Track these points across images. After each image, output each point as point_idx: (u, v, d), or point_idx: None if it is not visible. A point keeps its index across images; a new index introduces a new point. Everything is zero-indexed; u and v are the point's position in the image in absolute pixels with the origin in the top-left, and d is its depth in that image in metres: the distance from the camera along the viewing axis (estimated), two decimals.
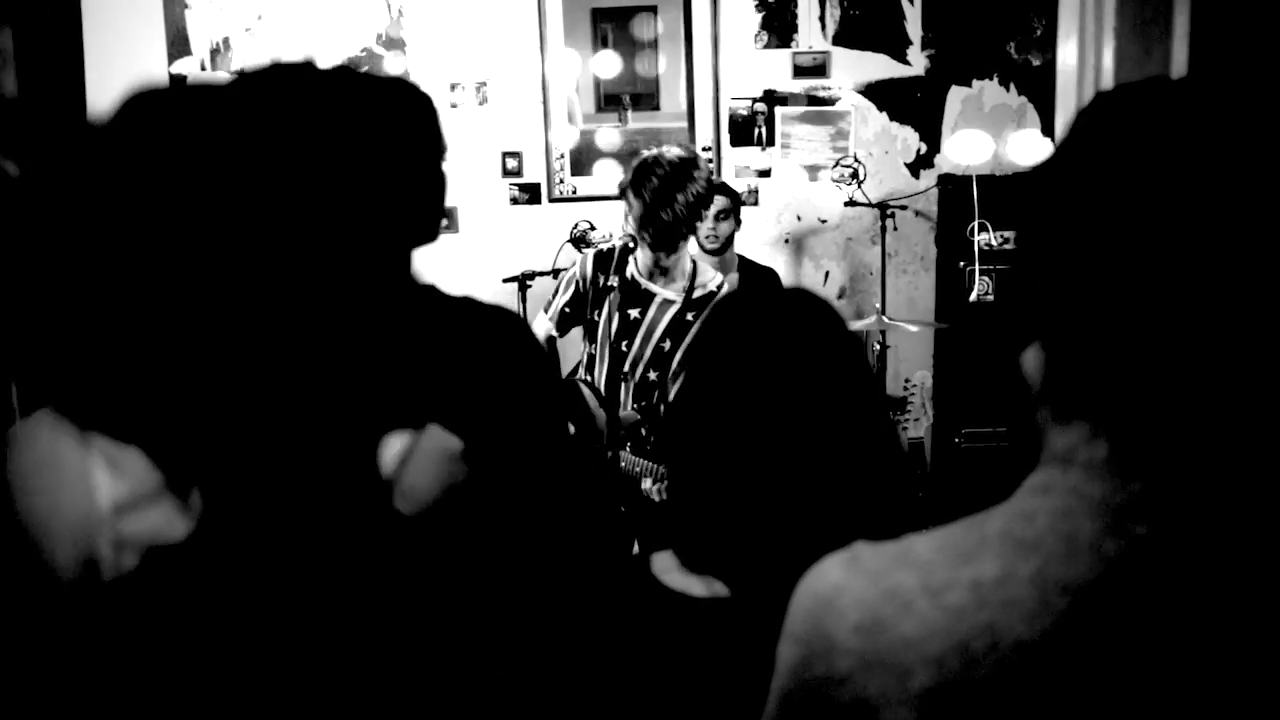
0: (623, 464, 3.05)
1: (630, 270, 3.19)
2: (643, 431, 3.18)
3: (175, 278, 0.77)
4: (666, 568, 1.25)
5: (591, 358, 3.26)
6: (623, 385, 3.16)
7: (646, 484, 3.05)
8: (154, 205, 0.77)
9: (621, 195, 3.09)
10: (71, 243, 0.77)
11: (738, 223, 4.40)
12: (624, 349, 3.15)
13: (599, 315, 3.19)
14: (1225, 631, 0.70)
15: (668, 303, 3.14)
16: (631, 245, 3.10)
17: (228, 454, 0.83)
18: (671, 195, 2.97)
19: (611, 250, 3.22)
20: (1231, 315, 0.71)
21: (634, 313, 3.17)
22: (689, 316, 3.11)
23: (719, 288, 3.17)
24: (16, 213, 0.78)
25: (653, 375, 3.15)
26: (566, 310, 3.27)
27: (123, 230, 0.77)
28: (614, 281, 3.13)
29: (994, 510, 0.77)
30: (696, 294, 3.14)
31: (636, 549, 2.98)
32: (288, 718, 0.86)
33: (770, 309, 1.25)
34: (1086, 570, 0.72)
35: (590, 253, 3.29)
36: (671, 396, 3.14)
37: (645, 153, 3.07)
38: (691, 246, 3.29)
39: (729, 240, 4.36)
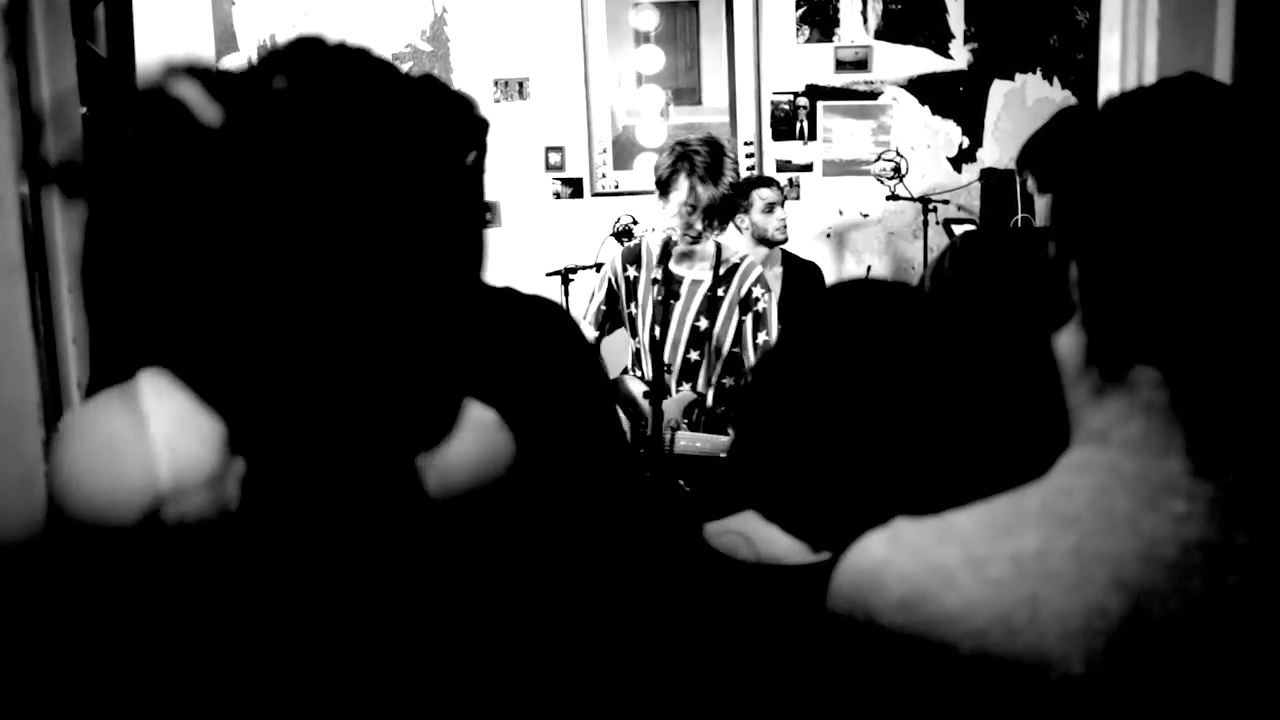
0: (681, 444, 3.13)
1: (658, 258, 3.28)
2: (695, 412, 3.26)
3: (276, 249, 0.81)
4: (720, 530, 1.29)
5: (637, 351, 3.35)
6: (665, 373, 3.27)
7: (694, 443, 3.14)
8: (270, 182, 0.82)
9: (661, 186, 3.16)
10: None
11: None
12: (660, 335, 3.25)
13: (635, 308, 3.30)
14: (1265, 608, 0.72)
15: (697, 283, 3.25)
16: (672, 237, 3.16)
17: (275, 426, 0.85)
18: (720, 169, 3.13)
19: (639, 244, 3.36)
20: (1271, 300, 0.73)
21: (667, 298, 3.25)
22: (719, 292, 3.23)
23: (741, 259, 3.28)
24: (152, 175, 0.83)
25: (694, 356, 3.26)
26: (603, 308, 3.37)
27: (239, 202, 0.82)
28: (650, 273, 3.25)
29: (1031, 486, 0.79)
30: (722, 270, 3.24)
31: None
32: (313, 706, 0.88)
33: (872, 294, 1.35)
34: (1124, 544, 0.73)
35: (619, 250, 3.41)
36: (712, 377, 3.23)
37: (674, 142, 3.22)
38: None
39: None
